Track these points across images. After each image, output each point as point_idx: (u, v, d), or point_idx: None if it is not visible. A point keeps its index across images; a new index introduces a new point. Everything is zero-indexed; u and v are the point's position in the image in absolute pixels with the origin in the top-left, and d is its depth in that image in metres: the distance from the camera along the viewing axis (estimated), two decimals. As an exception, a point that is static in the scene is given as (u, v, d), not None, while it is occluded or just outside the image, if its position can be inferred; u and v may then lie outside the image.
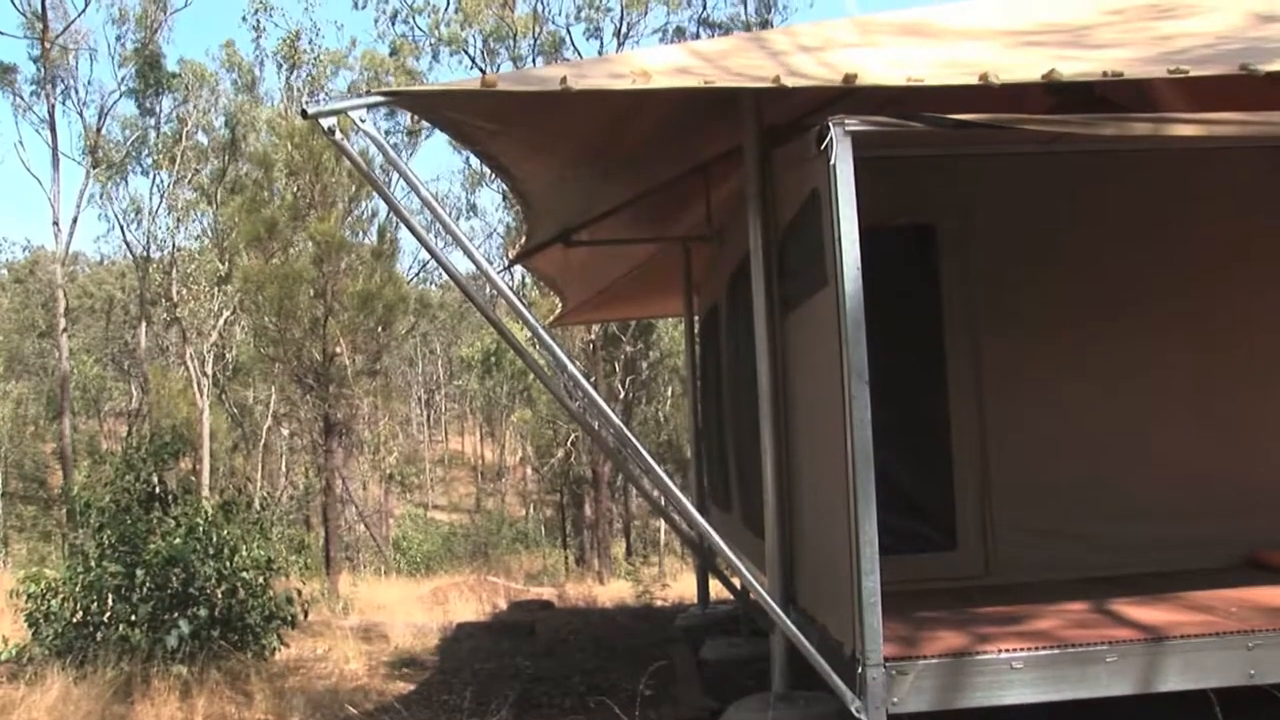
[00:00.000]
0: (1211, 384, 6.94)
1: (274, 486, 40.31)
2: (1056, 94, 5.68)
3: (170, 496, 10.32)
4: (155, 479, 10.24)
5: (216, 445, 41.48)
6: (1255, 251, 6.98)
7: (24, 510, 45.88)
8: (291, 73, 34.81)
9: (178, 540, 9.39)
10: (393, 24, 41.26)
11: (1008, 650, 4.75)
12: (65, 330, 38.53)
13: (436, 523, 51.68)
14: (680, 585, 16.62)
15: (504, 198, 37.52)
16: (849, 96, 5.35)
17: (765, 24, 36.84)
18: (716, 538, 5.65)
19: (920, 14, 6.66)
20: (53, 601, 9.24)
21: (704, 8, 39.76)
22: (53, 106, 39.13)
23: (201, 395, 39.03)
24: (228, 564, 9.51)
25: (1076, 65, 5.11)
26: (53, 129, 38.72)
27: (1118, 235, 6.97)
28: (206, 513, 10.05)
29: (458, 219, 40.44)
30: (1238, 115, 4.66)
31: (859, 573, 4.50)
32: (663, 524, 36.26)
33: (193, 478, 32.03)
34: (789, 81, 4.83)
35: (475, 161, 37.92)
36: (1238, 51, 5.26)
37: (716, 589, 10.73)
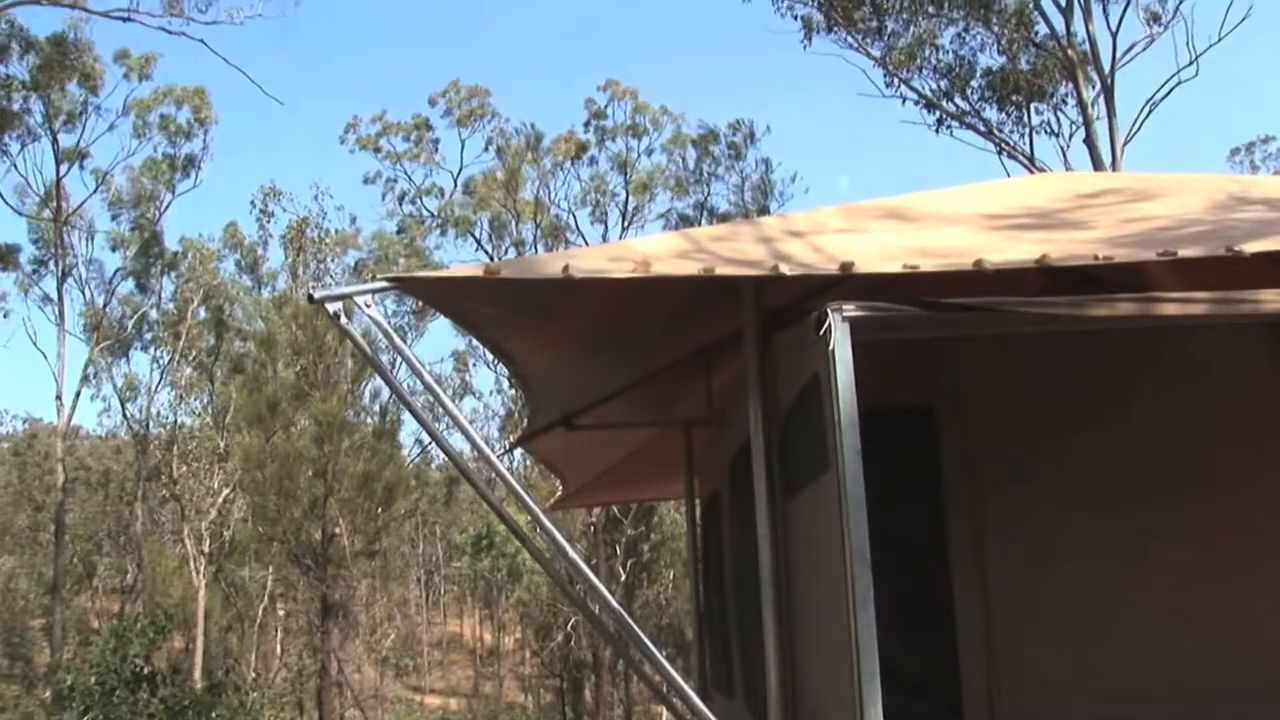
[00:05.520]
0: (1225, 558, 6.86)
1: (267, 667, 39.60)
2: (1048, 276, 5.80)
3: (159, 677, 10.15)
4: (144, 659, 10.09)
5: (211, 624, 40.91)
6: (1264, 424, 6.98)
7: (5, 689, 44.93)
8: (298, 255, 35.50)
9: (164, 725, 9.19)
10: (400, 204, 42.30)
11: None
12: (63, 504, 38.42)
13: (430, 708, 50.53)
14: (681, 774, 16.18)
15: (508, 381, 37.84)
16: (847, 280, 5.45)
17: (764, 210, 37.74)
18: (718, 726, 5.54)
19: (900, 201, 6.86)
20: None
21: (705, 194, 40.79)
22: (62, 284, 39.83)
23: (197, 573, 38.67)
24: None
25: (1062, 248, 5.24)
26: (60, 308, 39.34)
27: (1121, 413, 7.00)
28: (194, 695, 9.86)
29: (454, 399, 40.67)
30: (1221, 294, 4.76)
31: (865, 760, 4.40)
32: (664, 710, 35.49)
33: (185, 657, 31.51)
34: (787, 269, 4.93)
35: (464, 341, 38.45)
36: (1216, 231, 5.41)
37: (718, 779, 10.43)
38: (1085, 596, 6.80)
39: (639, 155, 41.49)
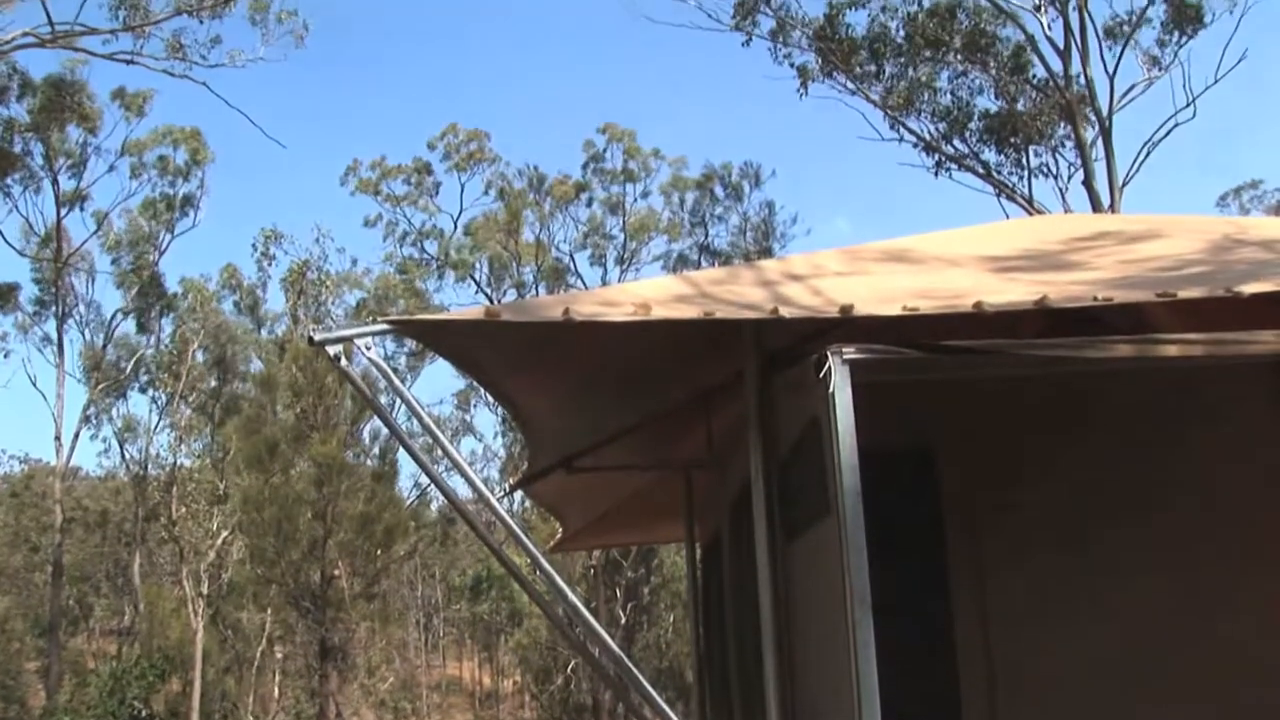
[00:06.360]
0: (1226, 595, 6.81)
1: (265, 710, 39.36)
2: (1049, 317, 5.82)
3: (157, 722, 10.09)
4: (142, 701, 10.03)
5: (209, 666, 40.67)
6: (1265, 462, 6.95)
7: (0, 733, 44.61)
8: (298, 298, 35.54)
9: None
10: (400, 246, 42.40)
11: None
12: (60, 544, 38.30)
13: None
14: (681, 819, 16.05)
15: (504, 422, 37.81)
16: (847, 323, 5.47)
17: (765, 251, 37.83)
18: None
19: (901, 243, 6.89)
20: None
21: (705, 236, 40.92)
22: (61, 325, 39.90)
23: (196, 615, 38.49)
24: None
25: (1062, 289, 5.26)
26: (60, 348, 39.38)
27: (1123, 456, 6.97)
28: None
29: (454, 439, 40.58)
30: (1220, 335, 4.78)
31: (866, 808, 4.37)
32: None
33: (182, 700, 31.32)
34: (787, 312, 4.95)
35: (466, 381, 38.41)
36: (1214, 273, 5.44)
37: (719, 824, 10.35)
38: (1088, 635, 6.77)
39: (635, 199, 41.70)
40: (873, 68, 29.36)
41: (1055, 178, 29.74)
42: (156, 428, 43.51)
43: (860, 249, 6.90)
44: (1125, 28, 28.18)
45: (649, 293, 5.35)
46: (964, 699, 6.76)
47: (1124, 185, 27.05)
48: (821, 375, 4.67)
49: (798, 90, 29.92)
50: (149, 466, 43.70)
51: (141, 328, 43.44)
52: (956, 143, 29.94)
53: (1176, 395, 6.89)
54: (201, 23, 29.39)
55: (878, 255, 6.64)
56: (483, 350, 5.77)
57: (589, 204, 41.64)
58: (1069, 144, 28.81)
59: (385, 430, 30.17)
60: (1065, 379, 6.65)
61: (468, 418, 45.60)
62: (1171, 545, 6.87)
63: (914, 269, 6.23)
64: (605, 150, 41.75)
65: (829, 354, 4.64)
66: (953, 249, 6.71)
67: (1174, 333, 5.03)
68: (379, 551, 28.05)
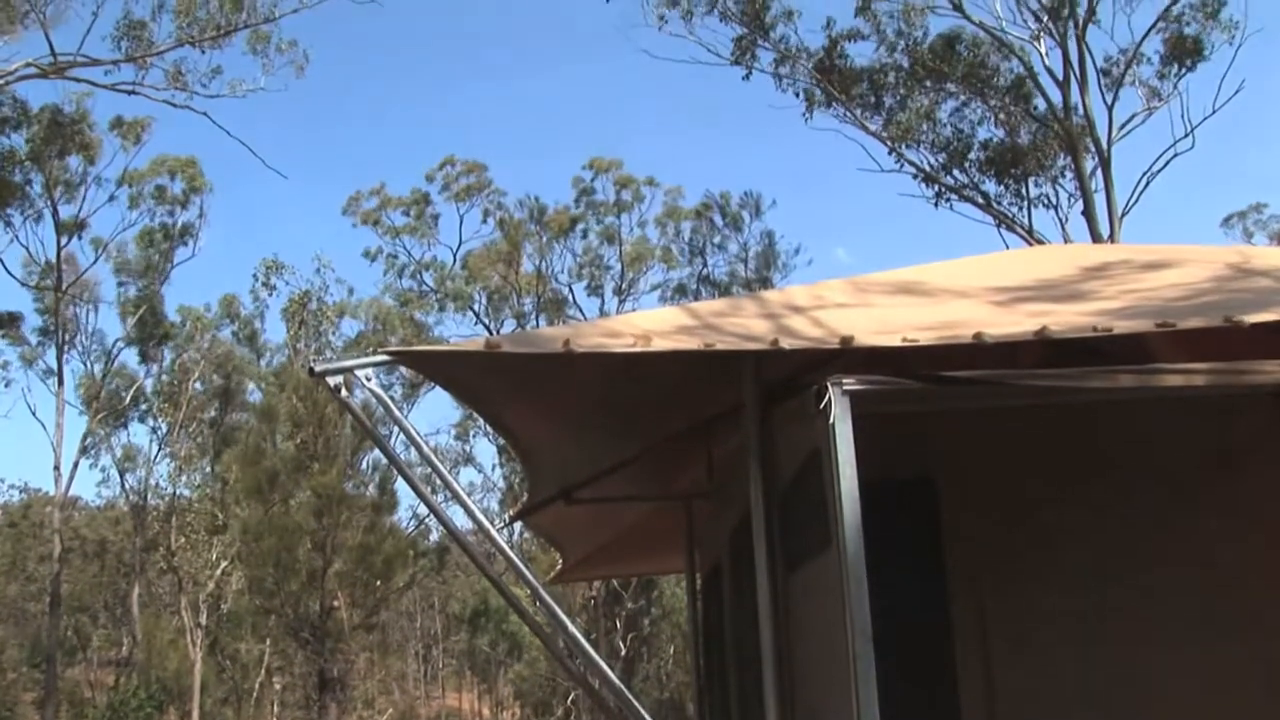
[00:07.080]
0: (1235, 638, 6.75)
1: (263, 743, 39.13)
2: (1052, 347, 5.81)
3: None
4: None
5: (207, 697, 40.49)
6: (1276, 500, 6.92)
7: (-6, 766, 44.33)
8: (299, 328, 35.49)
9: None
10: (399, 278, 42.43)
11: None
12: (59, 574, 38.17)
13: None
14: None
15: (503, 453, 37.72)
16: (848, 354, 5.46)
17: (765, 281, 37.87)
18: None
19: (910, 274, 6.87)
20: None
21: (704, 265, 40.97)
22: (62, 354, 39.90)
23: (194, 646, 38.35)
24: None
25: (1067, 320, 5.26)
26: (60, 378, 39.36)
27: (1128, 486, 6.94)
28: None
29: (454, 470, 40.54)
30: (1222, 365, 4.78)
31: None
32: (664, 786, 34.98)
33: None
34: (787, 343, 4.95)
35: (463, 412, 38.34)
36: (1219, 302, 5.43)
37: None
38: (1091, 664, 6.74)
39: (631, 228, 41.81)
40: (872, 99, 29.51)
41: (1055, 208, 29.87)
42: (156, 458, 43.51)
43: (866, 279, 6.88)
44: (1120, 65, 28.36)
45: (650, 324, 5.35)
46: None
47: (1123, 215, 27.13)
48: (822, 406, 4.66)
49: (803, 114, 30.17)
50: (148, 496, 43.67)
51: (144, 355, 43.49)
52: (956, 173, 30.05)
53: (1184, 426, 6.88)
54: (203, 53, 29.51)
55: (884, 286, 6.62)
56: (483, 381, 5.76)
57: (584, 235, 41.77)
58: (1069, 175, 28.91)
59: (384, 460, 30.15)
60: (1070, 410, 6.63)
61: (467, 448, 45.52)
62: (1175, 573, 6.83)
63: (918, 300, 6.23)
64: (594, 181, 41.94)
65: (829, 385, 4.64)
66: (961, 279, 6.70)
67: (1178, 363, 5.02)
68: (378, 582, 27.98)
